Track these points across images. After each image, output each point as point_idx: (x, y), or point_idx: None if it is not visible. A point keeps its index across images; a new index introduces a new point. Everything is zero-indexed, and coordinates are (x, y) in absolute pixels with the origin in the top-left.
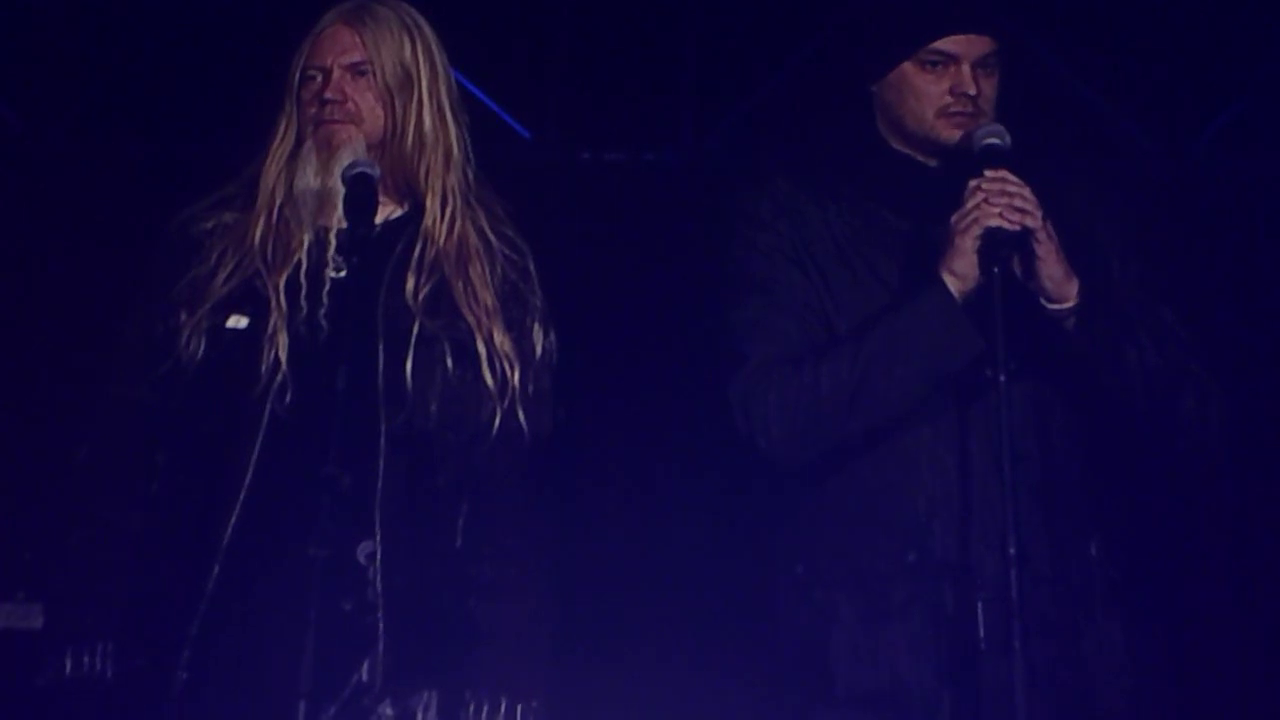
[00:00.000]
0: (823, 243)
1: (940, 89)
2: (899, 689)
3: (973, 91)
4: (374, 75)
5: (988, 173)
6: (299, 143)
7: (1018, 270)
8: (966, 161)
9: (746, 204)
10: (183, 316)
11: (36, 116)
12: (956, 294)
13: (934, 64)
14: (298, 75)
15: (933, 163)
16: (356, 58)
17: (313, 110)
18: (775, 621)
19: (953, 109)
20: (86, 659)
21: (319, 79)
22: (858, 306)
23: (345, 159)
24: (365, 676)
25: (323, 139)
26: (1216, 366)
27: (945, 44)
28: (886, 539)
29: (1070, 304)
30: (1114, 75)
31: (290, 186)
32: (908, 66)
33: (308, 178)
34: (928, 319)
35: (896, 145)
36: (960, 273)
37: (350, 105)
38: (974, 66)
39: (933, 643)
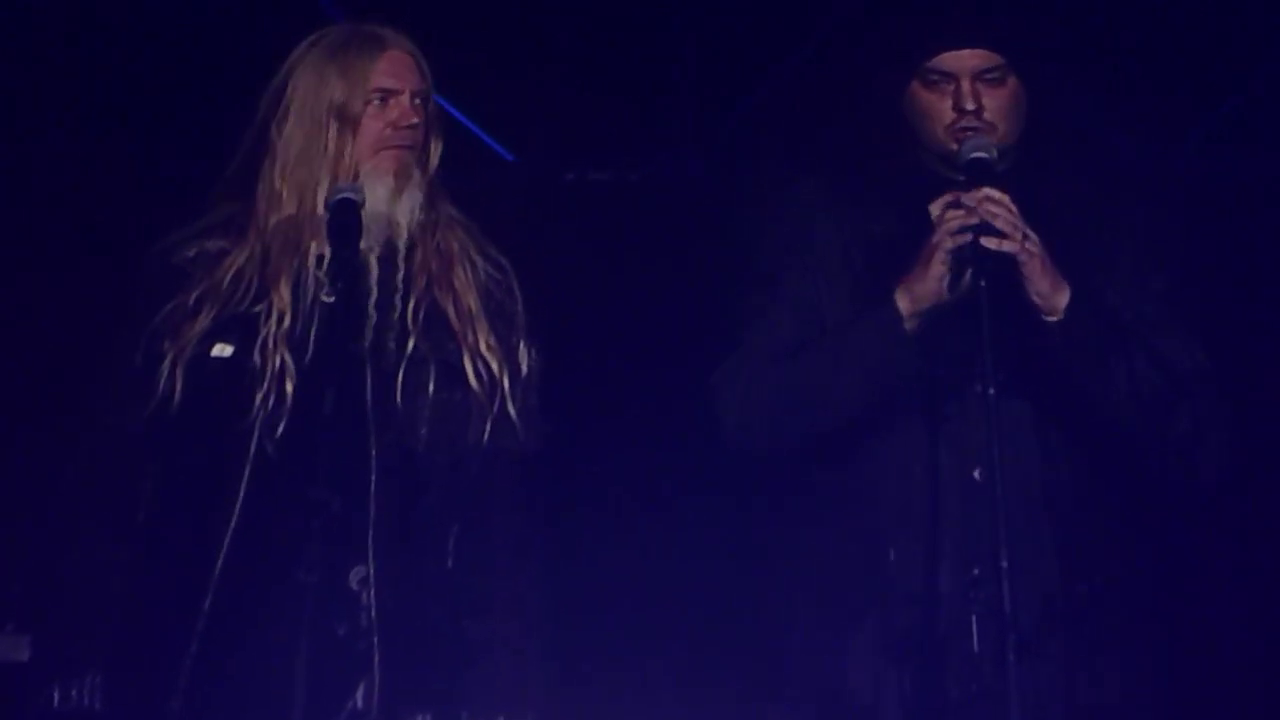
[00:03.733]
0: (831, 247)
1: (945, 106)
2: (847, 697)
3: (971, 106)
4: (426, 104)
5: (965, 195)
6: (340, 165)
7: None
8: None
9: (768, 198)
10: (166, 345)
11: (12, 139)
12: (910, 311)
13: (935, 82)
14: (358, 99)
15: (957, 176)
16: (420, 85)
17: (386, 133)
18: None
19: (959, 124)
20: (75, 691)
21: (390, 102)
22: (852, 313)
23: (413, 183)
24: (360, 702)
25: (392, 162)
26: (1224, 390)
27: (940, 61)
28: (848, 548)
29: (1059, 316)
30: (1098, 79)
31: (290, 214)
32: (916, 85)
33: (378, 198)
34: (870, 333)
35: (926, 159)
36: (918, 293)
37: (418, 132)
38: (974, 80)
39: (885, 654)
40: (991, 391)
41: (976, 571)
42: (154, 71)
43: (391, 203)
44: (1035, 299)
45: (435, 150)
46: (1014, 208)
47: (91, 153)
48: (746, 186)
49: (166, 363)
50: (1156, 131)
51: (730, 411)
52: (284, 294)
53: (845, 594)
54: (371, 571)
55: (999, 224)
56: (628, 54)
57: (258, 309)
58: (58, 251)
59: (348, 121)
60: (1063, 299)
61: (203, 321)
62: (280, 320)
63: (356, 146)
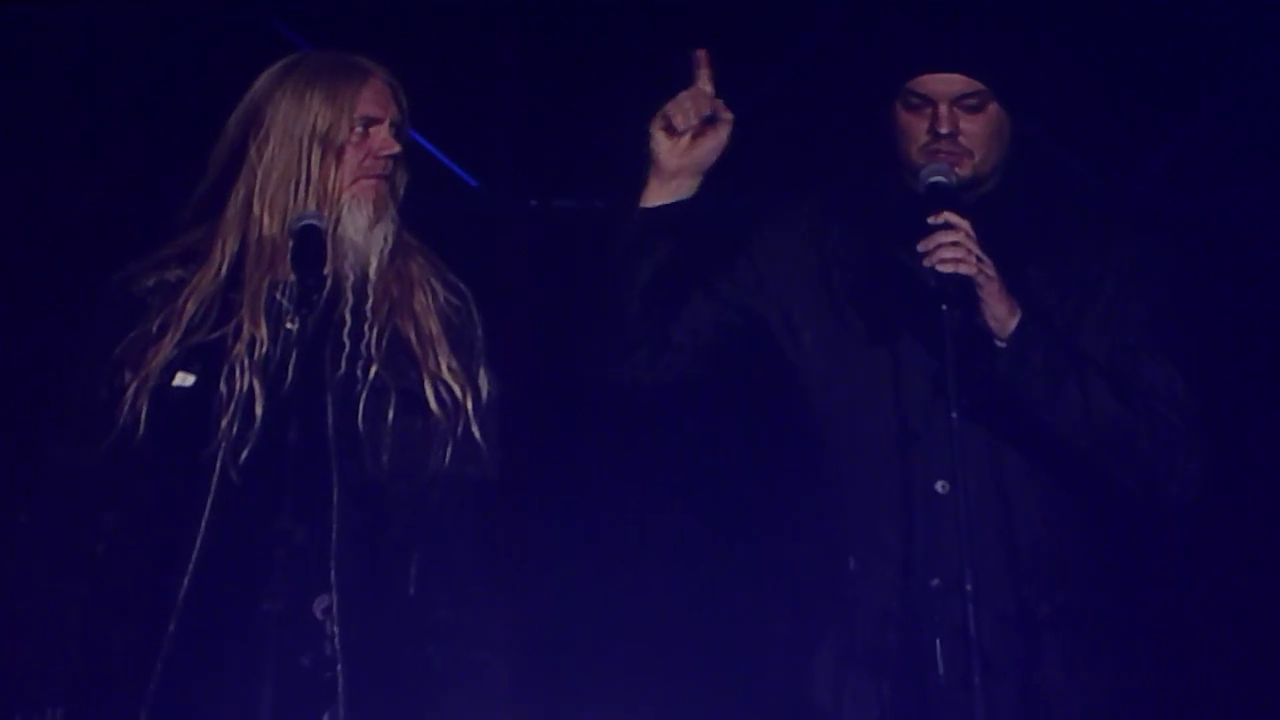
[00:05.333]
0: (812, 269)
1: (922, 127)
2: (810, 708)
3: (945, 130)
4: (402, 134)
5: (930, 219)
6: (324, 192)
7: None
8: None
9: (764, 223)
10: (127, 376)
11: None
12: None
13: (915, 104)
14: (343, 126)
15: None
16: (398, 115)
17: (367, 162)
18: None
19: (931, 147)
20: None
21: (371, 131)
22: (826, 327)
23: (388, 213)
24: None
25: (371, 191)
26: (1201, 419)
27: (920, 85)
28: (813, 558)
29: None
30: (1056, 115)
31: (257, 239)
32: (897, 105)
33: (358, 227)
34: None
35: (906, 177)
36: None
37: (395, 161)
38: (952, 105)
39: (847, 664)
40: (955, 414)
41: (936, 583)
42: (113, 99)
43: (368, 231)
44: (990, 323)
45: (403, 181)
46: (971, 232)
47: (48, 182)
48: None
49: (129, 393)
50: (1114, 164)
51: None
52: (255, 318)
53: (810, 604)
54: (335, 600)
55: (949, 251)
56: (594, 80)
57: (220, 335)
58: (10, 285)
59: (331, 148)
60: (1014, 322)
61: (165, 350)
62: (250, 345)
63: (339, 173)
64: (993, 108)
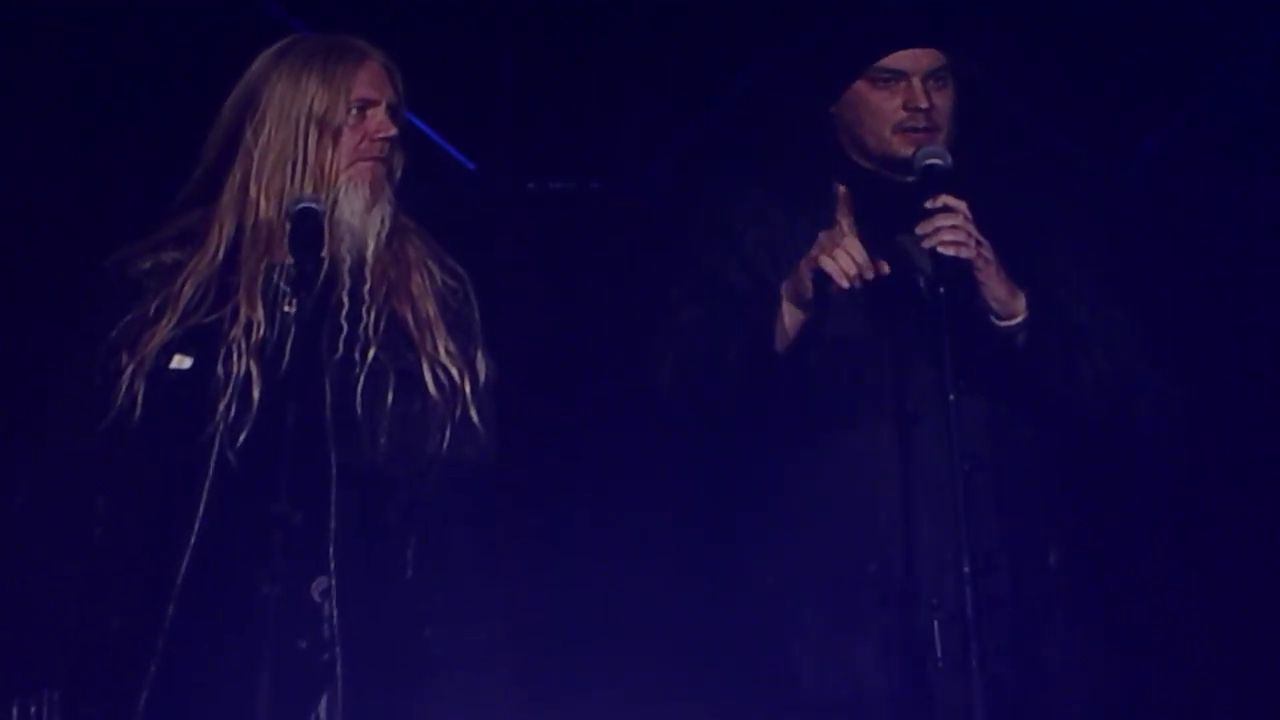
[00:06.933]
0: (788, 254)
1: (894, 105)
2: (863, 697)
3: (924, 105)
4: (398, 116)
5: (927, 203)
6: (321, 174)
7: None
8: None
9: (717, 207)
10: (124, 358)
11: None
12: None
13: (885, 81)
14: (340, 108)
15: (896, 176)
16: (394, 98)
17: (363, 145)
18: (740, 632)
19: (908, 124)
20: (33, 708)
21: (368, 113)
22: (828, 330)
23: (385, 196)
24: (323, 714)
25: (368, 174)
26: (1173, 368)
27: (893, 61)
28: (849, 552)
29: (1019, 319)
30: (1049, 95)
31: (254, 222)
32: (861, 85)
33: (354, 210)
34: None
35: (859, 160)
36: (790, 296)
37: (393, 144)
38: (924, 80)
39: (896, 652)
40: (952, 397)
41: (934, 565)
42: (109, 82)
43: (365, 214)
44: (992, 304)
45: (399, 164)
46: (968, 215)
47: (43, 166)
48: (701, 204)
49: (125, 376)
50: (1108, 146)
51: (660, 379)
52: (252, 301)
53: (808, 588)
54: (333, 583)
55: (948, 234)
56: (589, 62)
57: (216, 317)
58: (5, 268)
59: (328, 130)
60: (1019, 302)
61: (162, 332)
62: (247, 328)
63: (336, 156)
64: (952, 83)
